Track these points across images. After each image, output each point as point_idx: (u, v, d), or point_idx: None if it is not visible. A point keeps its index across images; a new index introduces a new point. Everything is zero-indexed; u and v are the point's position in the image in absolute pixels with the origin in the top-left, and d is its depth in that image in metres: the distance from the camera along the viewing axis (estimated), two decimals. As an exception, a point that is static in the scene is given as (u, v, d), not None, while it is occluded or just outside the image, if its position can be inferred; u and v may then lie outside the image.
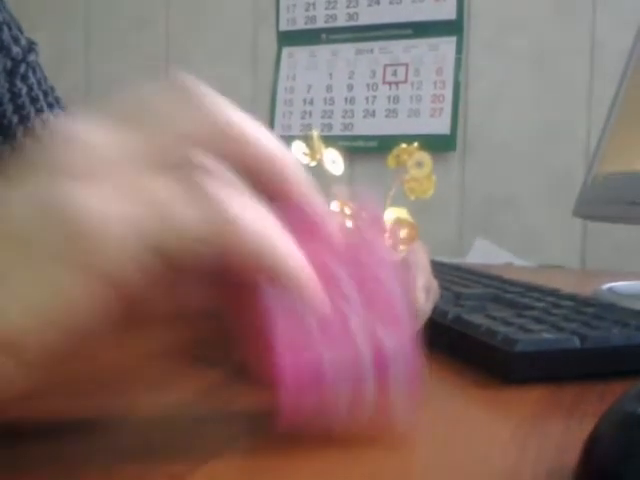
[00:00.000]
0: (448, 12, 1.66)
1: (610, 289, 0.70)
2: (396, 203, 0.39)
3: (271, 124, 1.82)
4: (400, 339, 0.29)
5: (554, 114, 1.57)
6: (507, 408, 0.36)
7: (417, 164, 0.40)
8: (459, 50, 1.65)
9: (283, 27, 1.83)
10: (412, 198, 0.40)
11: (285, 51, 1.83)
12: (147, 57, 1.95)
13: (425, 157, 0.40)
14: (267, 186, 0.29)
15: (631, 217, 0.69)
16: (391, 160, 0.40)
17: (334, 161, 0.38)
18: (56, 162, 0.26)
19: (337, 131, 1.74)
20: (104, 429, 0.33)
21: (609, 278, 0.75)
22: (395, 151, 0.41)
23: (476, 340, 0.43)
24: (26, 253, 0.25)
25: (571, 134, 1.56)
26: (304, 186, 0.29)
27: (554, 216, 1.54)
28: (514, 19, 1.61)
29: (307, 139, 0.38)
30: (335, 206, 0.38)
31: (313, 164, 0.37)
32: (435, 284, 0.45)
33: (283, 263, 0.26)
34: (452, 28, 1.66)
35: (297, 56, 1.82)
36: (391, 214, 0.37)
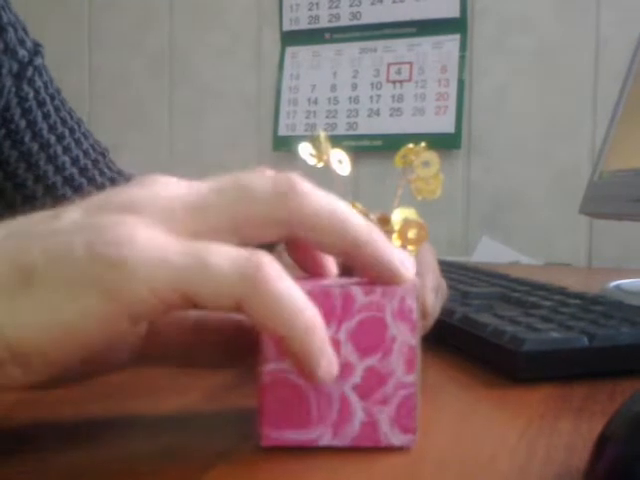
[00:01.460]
0: (452, 10, 1.66)
1: (618, 287, 0.69)
2: (403, 203, 0.39)
3: (275, 124, 1.82)
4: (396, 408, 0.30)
5: (559, 111, 1.57)
6: (515, 408, 0.36)
7: (424, 163, 0.40)
8: (463, 48, 1.65)
9: (286, 27, 1.83)
10: (419, 198, 0.39)
11: (289, 51, 1.83)
12: (151, 57, 1.96)
13: (432, 156, 0.39)
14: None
15: (637, 214, 0.69)
16: (398, 160, 0.40)
17: (341, 161, 0.38)
18: (121, 196, 0.27)
19: (342, 130, 1.74)
20: (117, 431, 0.33)
21: (616, 276, 0.75)
22: (402, 151, 0.40)
23: (483, 339, 0.43)
24: (59, 268, 0.24)
25: (577, 131, 1.55)
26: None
27: (560, 214, 1.53)
28: (518, 16, 1.60)
29: (314, 140, 0.37)
30: None
31: (320, 165, 0.37)
32: (444, 284, 0.45)
33: (298, 337, 0.25)
34: (456, 26, 1.66)
35: (301, 56, 1.82)
36: (399, 215, 0.37)
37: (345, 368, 0.29)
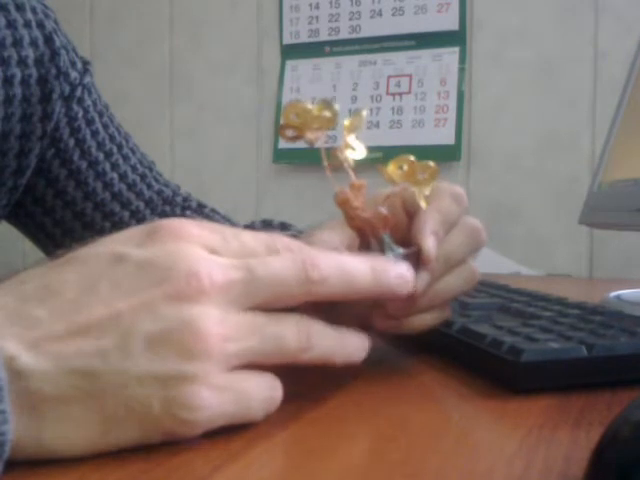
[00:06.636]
0: (451, 23, 1.67)
1: (618, 297, 0.69)
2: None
3: (276, 137, 1.82)
4: None
5: (558, 122, 1.57)
6: (514, 419, 0.36)
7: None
8: (462, 60, 1.66)
9: (287, 40, 1.84)
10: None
11: (289, 64, 1.84)
12: (152, 72, 1.97)
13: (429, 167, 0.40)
14: None
15: (637, 224, 0.69)
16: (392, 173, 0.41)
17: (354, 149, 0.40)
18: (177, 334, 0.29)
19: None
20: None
21: (617, 286, 0.74)
22: (395, 163, 0.41)
23: (482, 350, 0.43)
24: (139, 425, 0.29)
25: (576, 142, 1.56)
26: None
27: (560, 224, 1.53)
28: (517, 29, 1.61)
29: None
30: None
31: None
32: (475, 224, 0.46)
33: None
34: (455, 39, 1.66)
35: (301, 69, 1.83)
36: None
37: None
